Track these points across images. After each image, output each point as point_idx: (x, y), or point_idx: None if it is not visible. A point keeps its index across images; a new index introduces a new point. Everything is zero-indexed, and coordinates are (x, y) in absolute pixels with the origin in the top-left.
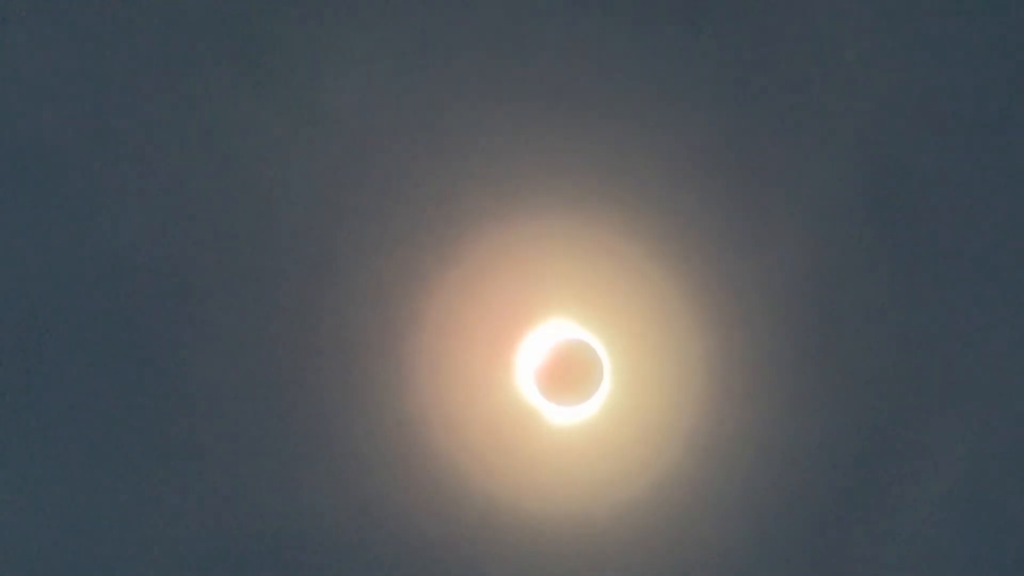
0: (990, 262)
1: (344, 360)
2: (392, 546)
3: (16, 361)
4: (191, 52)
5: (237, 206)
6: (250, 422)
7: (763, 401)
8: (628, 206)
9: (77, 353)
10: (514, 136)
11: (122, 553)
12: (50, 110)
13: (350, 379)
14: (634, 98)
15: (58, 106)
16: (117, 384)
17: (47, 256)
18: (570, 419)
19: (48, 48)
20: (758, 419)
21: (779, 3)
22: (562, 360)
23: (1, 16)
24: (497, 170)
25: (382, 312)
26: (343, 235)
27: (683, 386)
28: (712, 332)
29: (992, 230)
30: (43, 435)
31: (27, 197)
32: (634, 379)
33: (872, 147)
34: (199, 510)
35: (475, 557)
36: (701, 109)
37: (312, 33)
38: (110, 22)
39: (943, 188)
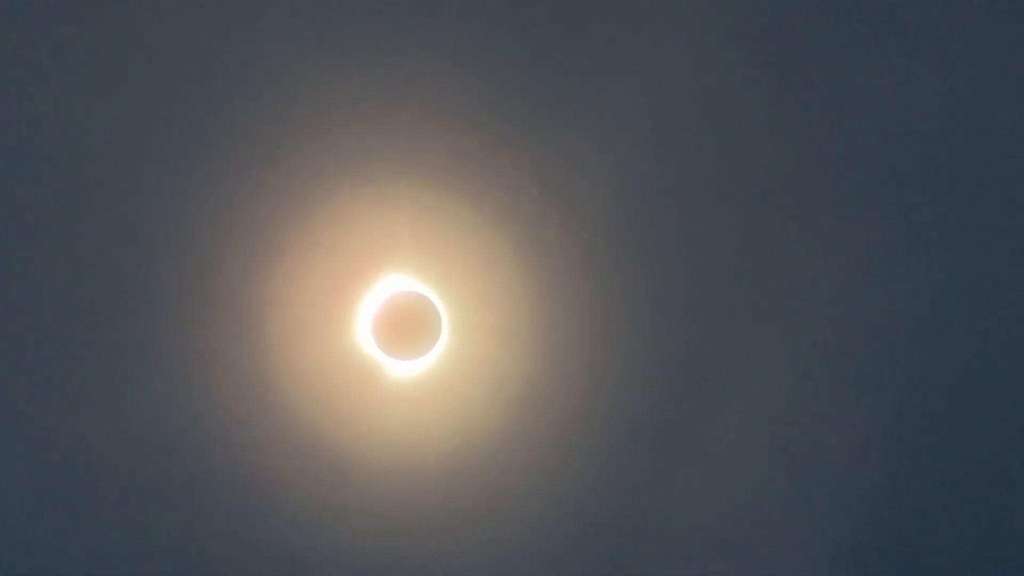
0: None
1: (192, 315)
2: (238, 484)
3: None
4: None
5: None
6: (114, 362)
7: (590, 349)
8: (460, 169)
9: None
10: (353, 107)
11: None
12: None
13: (200, 334)
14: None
15: None
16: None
17: None
18: (409, 372)
19: None
20: (586, 365)
21: None
22: (401, 315)
23: None
24: (334, 135)
25: (228, 267)
26: (193, 194)
27: (517, 338)
28: (542, 287)
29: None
30: None
31: None
32: (471, 332)
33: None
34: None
35: (315, 498)
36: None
37: None
38: None
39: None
